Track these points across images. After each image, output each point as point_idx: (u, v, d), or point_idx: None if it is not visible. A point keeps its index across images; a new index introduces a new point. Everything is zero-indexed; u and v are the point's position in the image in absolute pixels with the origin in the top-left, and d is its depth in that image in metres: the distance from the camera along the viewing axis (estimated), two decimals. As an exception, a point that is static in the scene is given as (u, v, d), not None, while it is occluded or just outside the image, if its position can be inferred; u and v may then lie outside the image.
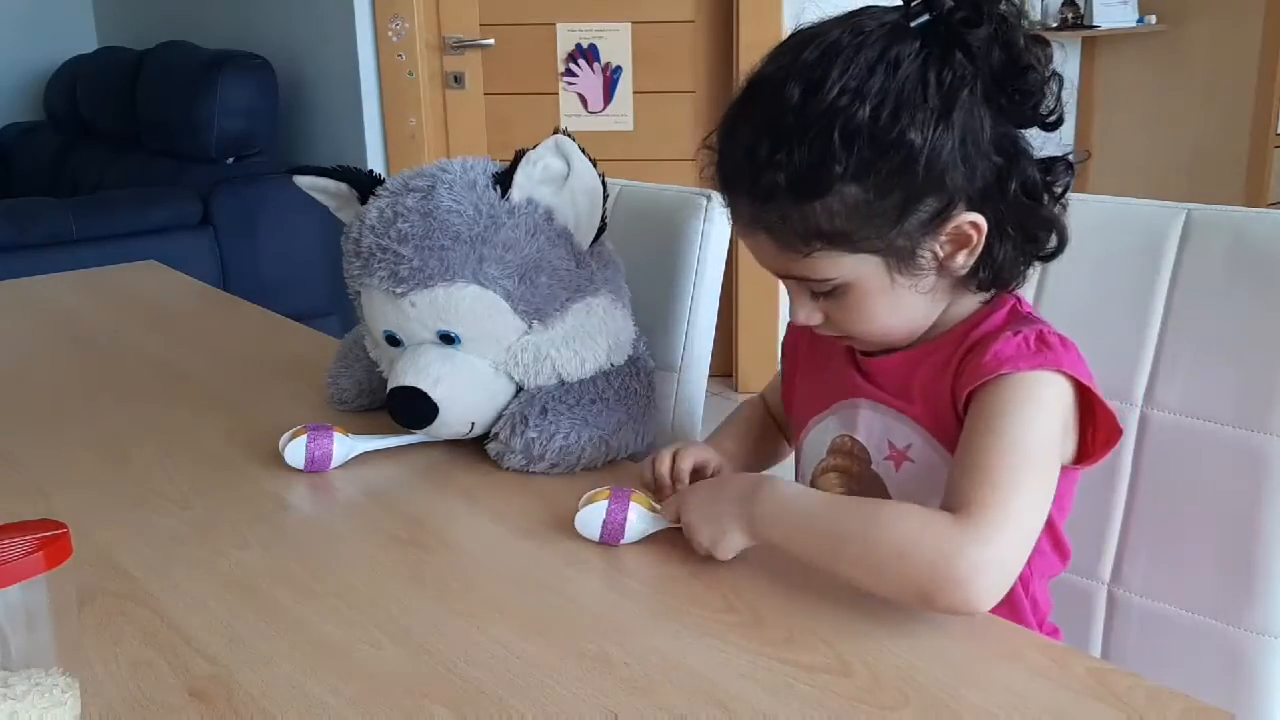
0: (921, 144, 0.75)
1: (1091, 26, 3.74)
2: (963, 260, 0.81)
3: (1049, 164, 0.82)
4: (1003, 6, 0.78)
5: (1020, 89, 0.78)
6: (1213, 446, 0.89)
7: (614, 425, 1.03)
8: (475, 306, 0.99)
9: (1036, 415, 0.77)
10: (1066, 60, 3.89)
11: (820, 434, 0.94)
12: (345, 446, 1.03)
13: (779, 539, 0.79)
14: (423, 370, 1.00)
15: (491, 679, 0.70)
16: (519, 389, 1.05)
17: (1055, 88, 0.80)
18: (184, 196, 3.02)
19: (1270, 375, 0.87)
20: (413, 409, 1.01)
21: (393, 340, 1.05)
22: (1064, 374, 0.78)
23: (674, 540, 0.89)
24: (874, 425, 0.89)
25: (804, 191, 0.76)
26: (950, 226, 0.79)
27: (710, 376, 1.27)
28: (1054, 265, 0.97)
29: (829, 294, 0.83)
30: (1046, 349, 0.79)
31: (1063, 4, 3.75)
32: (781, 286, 0.87)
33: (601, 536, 0.86)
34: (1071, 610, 0.96)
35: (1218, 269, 0.90)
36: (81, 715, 0.64)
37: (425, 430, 1.02)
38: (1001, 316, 0.85)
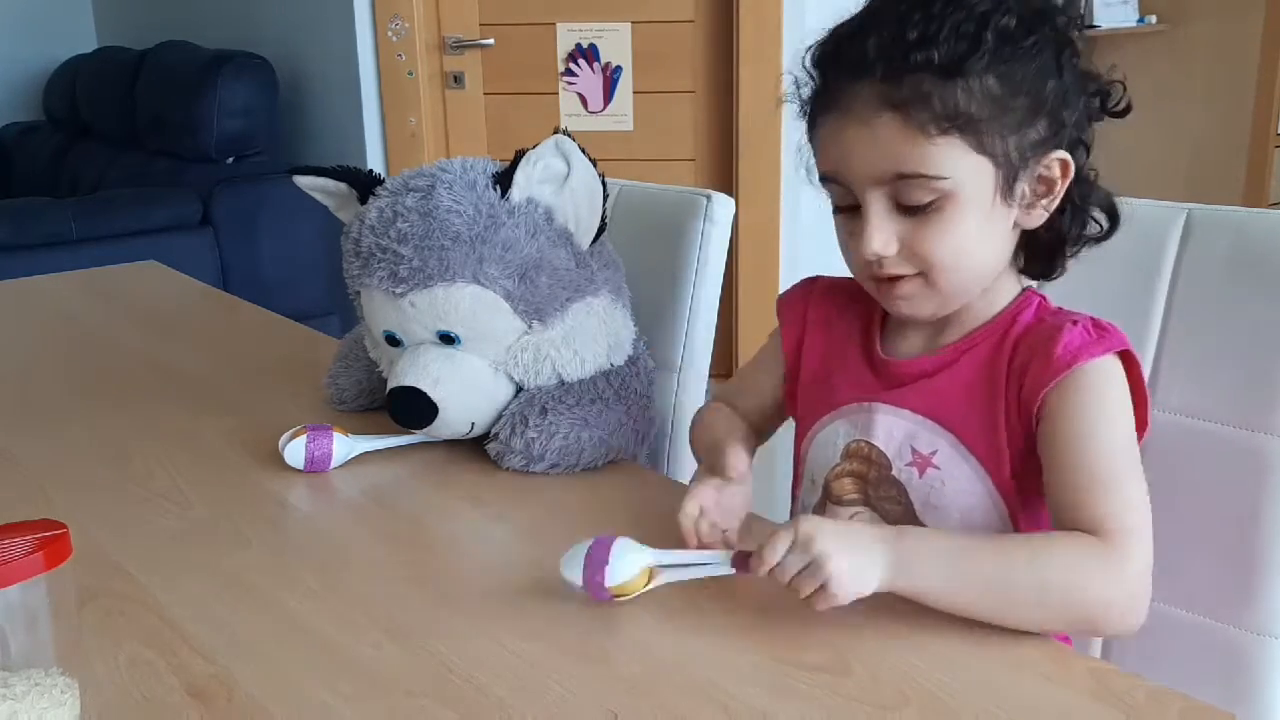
0: (1048, 62, 0.80)
1: (1092, 26, 3.74)
2: (1041, 211, 0.83)
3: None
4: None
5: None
6: (1213, 446, 0.89)
7: (614, 425, 1.03)
8: (475, 306, 0.99)
9: (1120, 406, 0.80)
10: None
11: (830, 437, 0.92)
12: (345, 446, 1.03)
13: (926, 585, 0.74)
14: (422, 370, 1.00)
15: (491, 679, 0.70)
16: (519, 389, 1.05)
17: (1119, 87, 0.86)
18: (184, 196, 3.02)
19: (1271, 375, 0.87)
20: (413, 409, 1.01)
21: (393, 340, 1.05)
22: (1123, 353, 0.81)
23: (674, 541, 0.89)
24: (894, 431, 0.88)
25: (951, 67, 0.77)
26: (1048, 158, 0.82)
27: (710, 376, 1.27)
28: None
29: (924, 210, 0.80)
30: (1106, 332, 0.81)
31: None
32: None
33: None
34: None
35: (1218, 269, 0.90)
36: (81, 715, 0.64)
37: (425, 430, 1.02)
38: (1032, 313, 0.86)
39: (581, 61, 3.00)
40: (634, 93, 2.98)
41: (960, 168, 0.79)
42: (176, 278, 1.87)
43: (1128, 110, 0.86)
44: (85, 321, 1.62)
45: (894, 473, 0.88)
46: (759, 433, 1.01)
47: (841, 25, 0.84)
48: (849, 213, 0.84)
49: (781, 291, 1.01)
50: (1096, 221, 0.87)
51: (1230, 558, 0.89)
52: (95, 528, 0.91)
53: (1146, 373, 0.92)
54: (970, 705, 0.66)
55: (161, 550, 0.89)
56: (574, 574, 0.77)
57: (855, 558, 0.72)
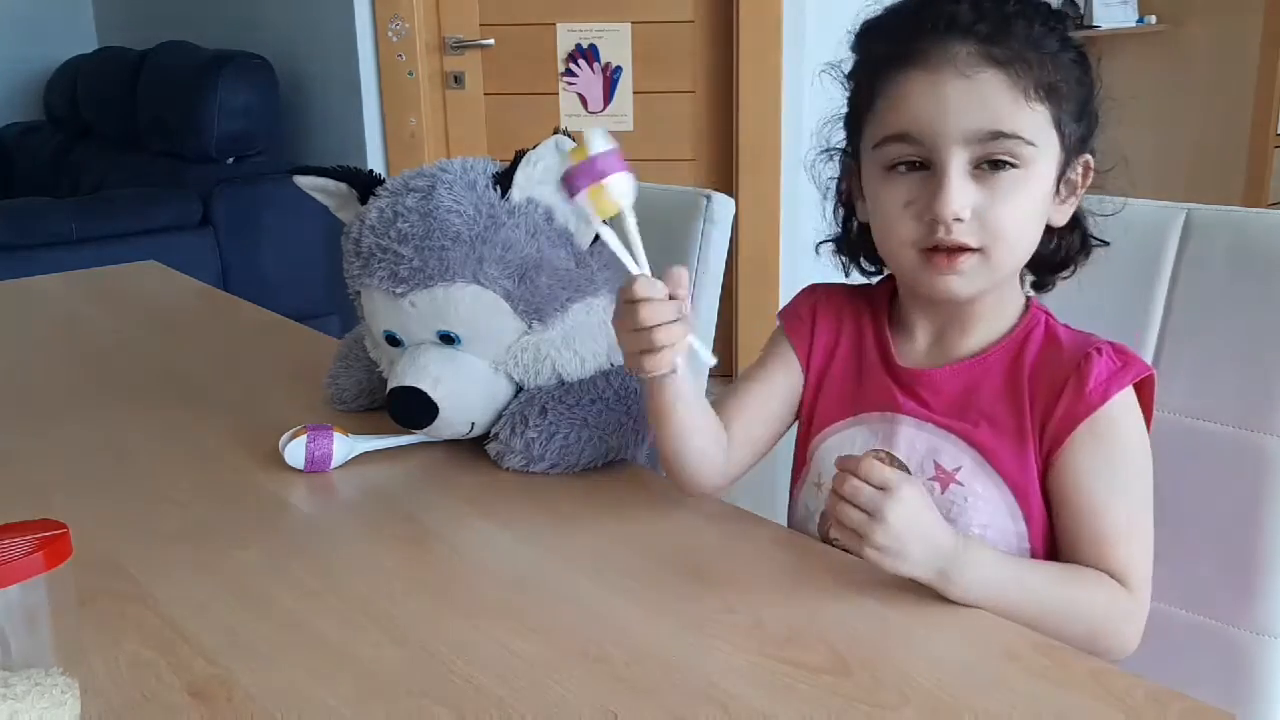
0: (1088, 60, 0.85)
1: (1092, 26, 3.74)
2: (1065, 209, 0.87)
3: None
4: None
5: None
6: (1213, 446, 0.89)
7: (614, 425, 1.03)
8: (475, 306, 0.99)
9: (1141, 444, 0.83)
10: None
11: (845, 443, 0.91)
12: (345, 446, 1.03)
13: (968, 600, 0.76)
14: (422, 370, 1.00)
15: (491, 679, 0.70)
16: (519, 389, 1.05)
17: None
18: (184, 197, 3.02)
19: (1271, 375, 0.87)
20: (412, 409, 1.01)
21: (393, 340, 1.05)
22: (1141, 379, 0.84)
23: (674, 541, 0.89)
24: (917, 444, 0.87)
25: (1044, 41, 0.81)
26: (1083, 157, 0.86)
27: (710, 376, 1.27)
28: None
29: (999, 178, 0.80)
30: (1127, 357, 0.84)
31: (1063, 4, 3.75)
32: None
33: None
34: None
35: (1218, 269, 0.90)
36: (81, 715, 0.64)
37: (425, 430, 1.02)
38: (1042, 330, 0.87)
39: (581, 61, 3.00)
40: (634, 93, 2.99)
41: (1044, 139, 0.81)
42: (176, 278, 1.87)
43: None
44: (85, 321, 1.62)
45: None
46: (735, 466, 0.95)
47: None
48: (911, 176, 0.83)
49: (783, 306, 1.00)
50: (1097, 240, 0.91)
51: (1230, 558, 0.89)
52: (95, 528, 0.91)
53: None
54: (970, 705, 0.66)
55: (161, 550, 0.89)
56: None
57: (920, 544, 0.75)
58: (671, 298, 0.80)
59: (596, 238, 1.05)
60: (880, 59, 0.84)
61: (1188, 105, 3.84)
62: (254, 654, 0.74)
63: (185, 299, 1.76)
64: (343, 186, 1.09)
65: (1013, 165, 0.80)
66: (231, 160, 3.15)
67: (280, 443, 1.02)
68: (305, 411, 1.18)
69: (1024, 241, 0.84)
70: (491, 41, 2.99)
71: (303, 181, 1.11)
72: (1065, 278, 0.91)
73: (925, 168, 0.82)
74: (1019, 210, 0.81)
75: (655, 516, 0.95)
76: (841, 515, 0.75)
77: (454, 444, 1.06)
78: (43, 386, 1.32)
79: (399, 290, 1.00)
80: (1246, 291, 0.88)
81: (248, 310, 1.66)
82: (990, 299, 0.87)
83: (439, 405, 1.00)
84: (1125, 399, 0.82)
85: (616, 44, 2.97)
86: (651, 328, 0.79)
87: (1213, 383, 0.90)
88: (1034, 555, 0.85)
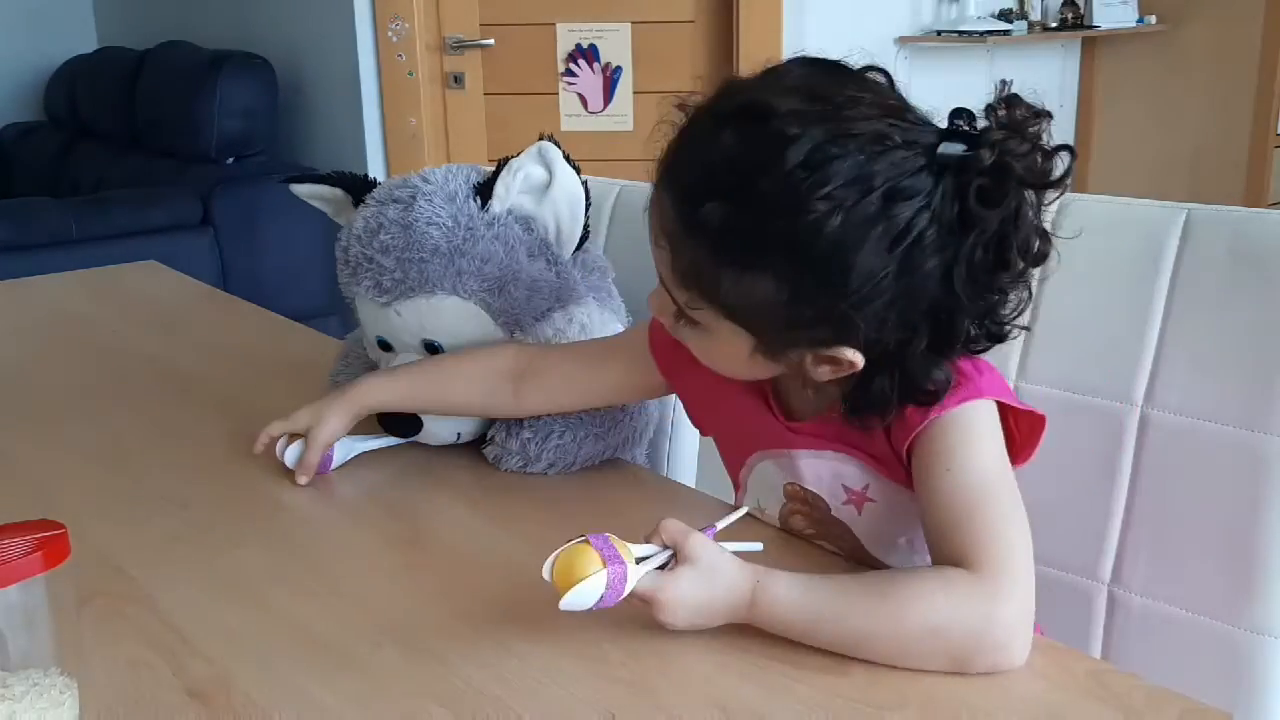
0: (858, 288, 0.69)
1: (1091, 26, 3.74)
2: (826, 375, 0.76)
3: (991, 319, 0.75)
4: (1027, 197, 0.71)
5: (989, 285, 0.72)
6: (1213, 447, 0.89)
7: (610, 424, 1.03)
8: (456, 317, 1.01)
9: (983, 445, 0.76)
10: (1066, 60, 3.90)
11: (765, 475, 0.90)
12: (345, 447, 1.03)
13: (783, 633, 0.72)
14: (406, 382, 1.02)
15: (491, 679, 0.70)
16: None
17: (1020, 302, 0.75)
18: (184, 197, 3.02)
19: (1270, 375, 0.86)
20: (398, 420, 1.02)
21: (385, 345, 1.06)
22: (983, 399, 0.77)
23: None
24: (821, 473, 0.85)
25: (724, 257, 0.71)
26: (829, 352, 0.74)
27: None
28: (1054, 265, 0.96)
29: (689, 320, 0.78)
30: (964, 380, 0.76)
31: (1063, 4, 3.74)
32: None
33: (595, 607, 0.71)
34: (1072, 610, 0.96)
35: (1218, 269, 0.90)
36: (80, 716, 0.64)
37: (413, 440, 1.03)
38: None
39: (581, 62, 3.00)
40: (634, 93, 2.98)
41: (713, 324, 0.76)
42: (176, 278, 1.86)
43: (997, 340, 0.77)
44: (85, 321, 1.62)
45: (834, 512, 0.87)
46: (528, 403, 0.98)
47: (698, 110, 0.78)
48: None
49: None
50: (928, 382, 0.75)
51: (1230, 558, 0.89)
52: (95, 528, 0.91)
53: (1146, 373, 0.92)
54: (970, 705, 0.66)
55: (161, 550, 0.89)
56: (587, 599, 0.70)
57: (695, 618, 0.71)
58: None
59: (579, 246, 1.05)
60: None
61: (1188, 105, 3.84)
62: (254, 654, 0.74)
63: (185, 299, 1.76)
64: (338, 192, 1.09)
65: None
66: (231, 160, 3.16)
67: (278, 446, 1.01)
68: (305, 411, 1.18)
69: (731, 371, 0.82)
70: (491, 41, 2.99)
71: (299, 190, 1.11)
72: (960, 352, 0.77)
73: None
74: (706, 354, 0.81)
75: (654, 516, 0.95)
76: (639, 591, 0.71)
77: (453, 444, 1.06)
78: (42, 386, 1.32)
79: (383, 300, 1.01)
80: (1247, 292, 0.88)
81: (247, 310, 1.66)
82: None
83: (422, 418, 1.02)
84: (961, 415, 0.75)
85: (616, 44, 2.97)
86: None
87: (1213, 383, 0.89)
88: None
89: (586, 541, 0.70)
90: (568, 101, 3.03)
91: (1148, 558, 0.93)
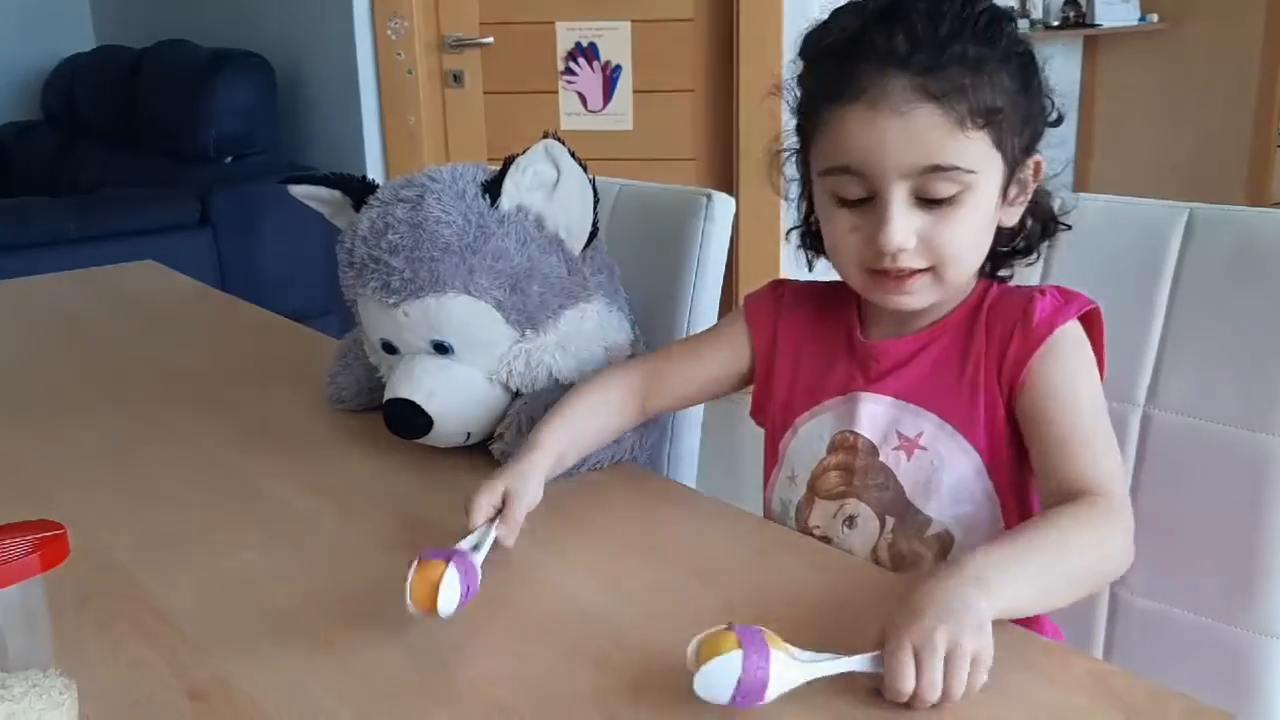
0: (1030, 64, 0.85)
1: (1093, 25, 3.74)
2: (1016, 209, 0.88)
3: None
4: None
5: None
6: (1215, 447, 0.89)
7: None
8: (467, 316, 0.99)
9: (1092, 367, 0.85)
10: (1068, 59, 3.90)
11: (815, 432, 0.93)
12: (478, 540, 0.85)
13: (1017, 605, 0.72)
14: (417, 383, 1.00)
15: (491, 679, 0.70)
16: (516, 395, 1.05)
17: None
18: (182, 196, 3.01)
19: (1273, 375, 0.86)
20: (407, 421, 1.01)
21: (389, 348, 1.05)
22: (1089, 313, 0.86)
23: (675, 541, 0.89)
24: (878, 417, 0.89)
25: (982, 62, 0.80)
26: (1033, 159, 0.86)
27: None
28: (1055, 264, 0.97)
29: (944, 203, 0.81)
30: (1070, 295, 0.86)
31: (1064, 3, 3.74)
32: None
33: (734, 699, 0.63)
34: (1073, 610, 0.96)
35: (1220, 268, 0.90)
36: (80, 716, 0.64)
37: (420, 441, 1.03)
38: (996, 291, 0.89)
39: (581, 60, 3.00)
40: (634, 92, 2.98)
41: (985, 163, 0.82)
42: (175, 277, 1.86)
43: (1060, 120, 0.90)
44: (84, 321, 1.61)
45: (881, 458, 0.89)
46: (652, 410, 1.01)
47: (845, 14, 0.85)
48: (855, 207, 0.84)
49: (748, 292, 1.01)
50: (1061, 224, 0.93)
51: (1231, 558, 0.89)
52: (95, 528, 0.90)
53: (1149, 373, 0.92)
54: (970, 705, 0.66)
55: (161, 550, 0.89)
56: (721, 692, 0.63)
57: (970, 617, 0.67)
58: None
59: (588, 243, 1.05)
60: (819, 92, 0.85)
61: (1189, 104, 3.84)
62: (254, 654, 0.74)
63: (183, 298, 1.76)
64: (336, 194, 1.09)
65: (955, 192, 0.81)
66: (230, 159, 3.15)
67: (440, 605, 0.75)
68: (305, 412, 1.18)
69: (973, 256, 0.87)
70: (491, 40, 2.99)
71: (296, 190, 1.11)
72: (1030, 263, 0.93)
73: (870, 197, 0.83)
74: (964, 231, 0.83)
75: (656, 516, 0.95)
76: (952, 690, 0.65)
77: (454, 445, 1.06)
78: (41, 386, 1.32)
79: (391, 301, 1.00)
80: (1248, 291, 0.88)
81: (246, 310, 1.66)
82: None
83: (433, 418, 1.00)
84: (1073, 332, 0.85)
85: (616, 43, 2.97)
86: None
87: (1214, 382, 0.89)
88: (1003, 507, 0.87)
89: (730, 628, 0.65)
90: (567, 100, 3.02)
91: (1150, 558, 0.93)
